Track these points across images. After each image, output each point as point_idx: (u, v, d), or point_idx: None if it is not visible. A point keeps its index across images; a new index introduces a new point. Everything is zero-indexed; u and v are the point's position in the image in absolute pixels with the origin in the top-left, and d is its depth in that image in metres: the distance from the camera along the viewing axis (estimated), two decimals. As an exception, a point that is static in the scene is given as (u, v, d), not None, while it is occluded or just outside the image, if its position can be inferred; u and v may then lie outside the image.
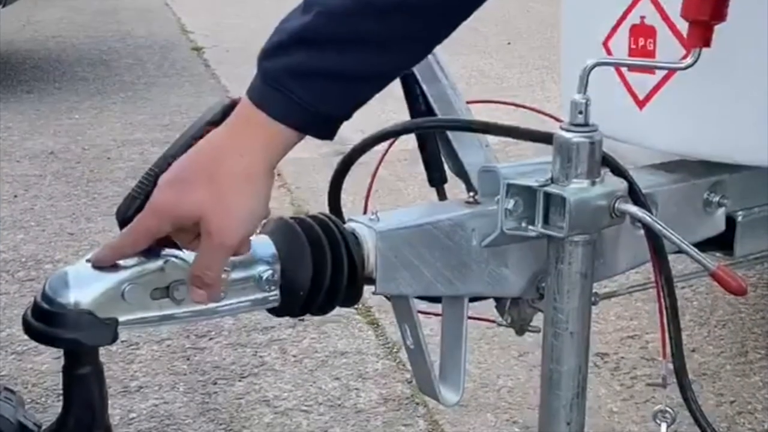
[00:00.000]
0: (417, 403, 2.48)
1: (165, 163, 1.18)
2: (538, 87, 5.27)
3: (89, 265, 1.18)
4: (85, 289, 1.17)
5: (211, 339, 2.79)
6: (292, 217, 1.31)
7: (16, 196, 3.78)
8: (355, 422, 2.43)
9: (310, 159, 4.09)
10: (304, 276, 1.27)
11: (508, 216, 1.32)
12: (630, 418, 2.45)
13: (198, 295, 1.17)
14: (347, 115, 1.15)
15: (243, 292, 1.25)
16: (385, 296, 1.38)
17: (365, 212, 1.44)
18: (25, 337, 1.21)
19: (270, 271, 1.25)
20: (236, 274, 1.24)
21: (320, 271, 1.27)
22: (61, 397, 1.25)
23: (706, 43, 1.29)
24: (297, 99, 1.11)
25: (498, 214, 1.33)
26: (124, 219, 1.18)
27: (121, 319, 1.18)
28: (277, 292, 1.26)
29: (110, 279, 1.17)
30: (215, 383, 2.59)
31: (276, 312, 1.29)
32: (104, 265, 1.18)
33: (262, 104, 1.12)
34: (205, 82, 5.51)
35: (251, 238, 1.24)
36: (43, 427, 1.26)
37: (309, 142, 1.18)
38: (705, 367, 2.66)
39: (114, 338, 1.17)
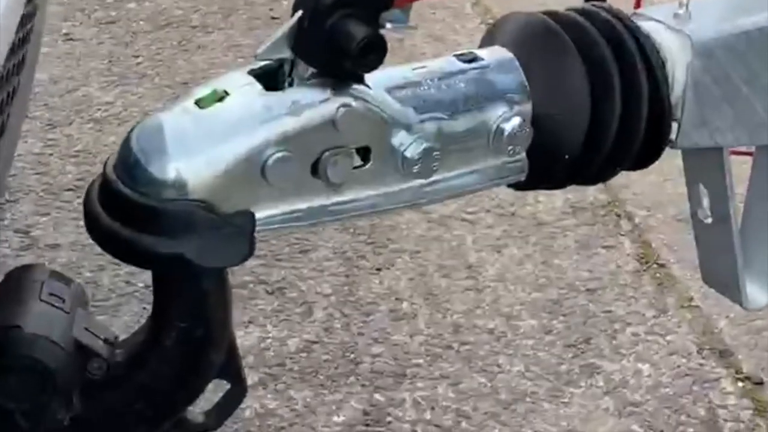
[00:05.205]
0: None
1: None
2: None
3: (204, 111, 0.65)
4: (195, 158, 0.64)
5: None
6: (544, 12, 0.75)
7: None
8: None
9: None
10: (574, 122, 0.72)
11: None
12: None
13: None
14: None
15: (462, 158, 0.71)
16: (683, 150, 0.82)
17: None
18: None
19: (515, 119, 0.70)
20: (455, 125, 0.69)
21: (602, 110, 0.72)
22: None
23: None
24: None
25: None
26: None
27: (259, 215, 0.65)
28: (523, 155, 0.72)
29: (242, 141, 0.64)
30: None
31: (520, 187, 0.75)
32: None
33: None
34: None
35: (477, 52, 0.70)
36: (121, 338, 0.74)
37: None
38: None
39: (250, 252, 0.65)
